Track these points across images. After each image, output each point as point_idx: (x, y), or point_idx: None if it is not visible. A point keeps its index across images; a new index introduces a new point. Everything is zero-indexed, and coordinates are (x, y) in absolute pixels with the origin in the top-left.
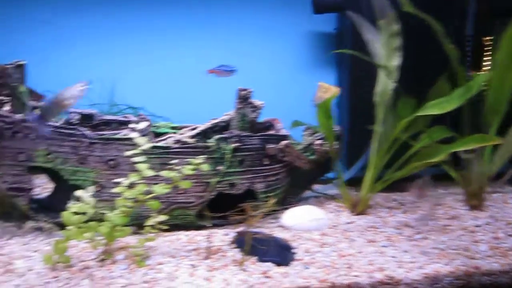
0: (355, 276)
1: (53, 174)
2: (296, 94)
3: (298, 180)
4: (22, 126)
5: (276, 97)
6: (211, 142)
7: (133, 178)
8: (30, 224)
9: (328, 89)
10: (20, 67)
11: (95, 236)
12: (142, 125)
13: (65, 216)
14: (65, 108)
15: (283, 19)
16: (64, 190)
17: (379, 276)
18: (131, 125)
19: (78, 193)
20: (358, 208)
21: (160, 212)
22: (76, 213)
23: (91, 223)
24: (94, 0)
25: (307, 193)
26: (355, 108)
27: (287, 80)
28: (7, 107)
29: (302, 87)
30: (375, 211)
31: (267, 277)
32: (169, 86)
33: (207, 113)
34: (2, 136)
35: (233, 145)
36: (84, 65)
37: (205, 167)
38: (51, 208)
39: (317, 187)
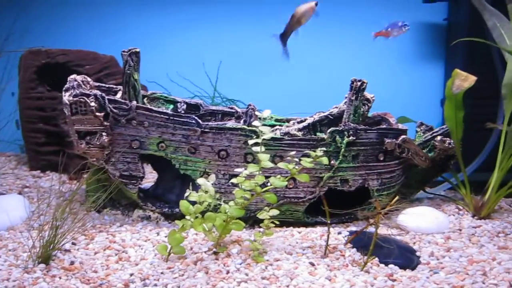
0: (494, 284)
1: (160, 163)
2: (401, 88)
3: (413, 179)
4: (137, 113)
5: (380, 90)
6: (326, 135)
7: (252, 169)
8: (137, 213)
9: (467, 77)
10: (135, 54)
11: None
12: (266, 113)
13: (183, 205)
14: (300, 25)
15: (391, 8)
16: (167, 180)
17: None
18: (257, 113)
19: (200, 181)
20: (483, 212)
21: (268, 206)
22: (193, 203)
23: (209, 213)
24: None
25: (420, 193)
26: (469, 104)
27: (392, 74)
28: (118, 94)
29: (408, 81)
30: (501, 216)
31: (393, 280)
32: (267, 79)
33: (305, 106)
34: (117, 122)
35: (348, 138)
36: (187, 56)
37: (324, 160)
38: (155, 197)
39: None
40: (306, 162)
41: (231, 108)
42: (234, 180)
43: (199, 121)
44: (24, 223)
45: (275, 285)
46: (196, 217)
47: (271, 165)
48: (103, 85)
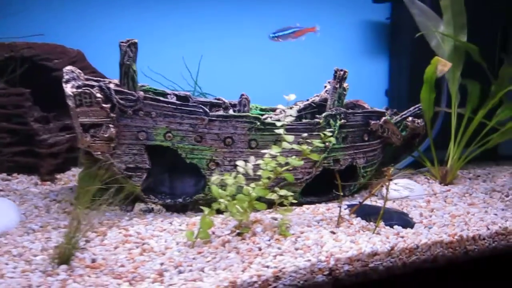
0: (476, 229)
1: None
2: (349, 80)
3: (387, 157)
4: (144, 104)
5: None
6: (320, 118)
7: (275, 150)
8: (139, 206)
9: (446, 63)
10: (133, 45)
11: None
12: (292, 97)
13: (214, 189)
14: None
15: (341, 7)
16: (156, 173)
17: (495, 228)
18: (287, 97)
19: (240, 163)
20: (448, 179)
21: (269, 188)
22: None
23: (240, 195)
24: None
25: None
26: (416, 93)
27: (343, 67)
28: (111, 86)
29: (357, 74)
30: (460, 181)
31: (402, 237)
32: (233, 70)
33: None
34: (123, 114)
35: (341, 121)
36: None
37: (333, 140)
38: (150, 190)
39: None
40: (316, 143)
41: (218, 99)
42: (260, 161)
43: (207, 109)
44: (19, 227)
45: (309, 254)
46: (228, 200)
47: (290, 146)
48: (92, 78)
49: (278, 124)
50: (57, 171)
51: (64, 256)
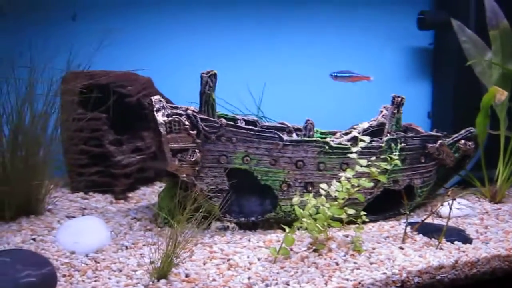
0: None
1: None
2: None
3: (439, 177)
4: (225, 130)
5: (375, 105)
6: (382, 143)
7: (349, 173)
8: (215, 224)
9: (503, 92)
10: (214, 76)
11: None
12: (365, 125)
13: (297, 210)
14: None
15: (385, 33)
16: (235, 192)
17: None
18: (355, 126)
19: (323, 186)
20: (497, 198)
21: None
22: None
23: (319, 215)
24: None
25: (441, 189)
26: (459, 115)
27: (388, 91)
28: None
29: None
30: (509, 200)
31: (463, 251)
32: (285, 96)
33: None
34: (207, 139)
35: (401, 145)
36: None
37: (397, 163)
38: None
39: None
40: (384, 165)
41: (282, 123)
42: (334, 185)
43: (281, 135)
44: (112, 244)
45: (384, 267)
46: (309, 220)
47: (362, 170)
48: (174, 105)
49: (354, 149)
50: (129, 190)
51: (162, 271)
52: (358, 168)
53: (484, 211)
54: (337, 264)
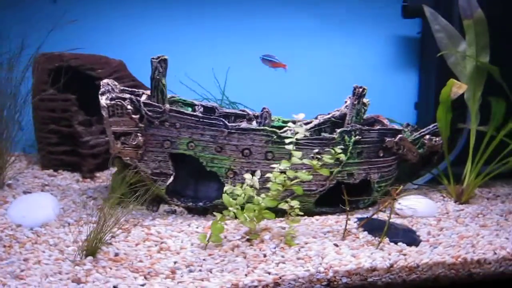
0: (482, 252)
1: (177, 162)
2: (379, 94)
3: (403, 173)
4: (169, 116)
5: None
6: (335, 134)
7: (284, 164)
8: (163, 207)
9: (461, 85)
10: (163, 61)
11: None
12: (301, 116)
13: (225, 198)
14: None
15: (371, 21)
16: (183, 177)
17: (502, 253)
18: (296, 116)
19: (247, 176)
20: (463, 198)
21: (283, 199)
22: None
23: (248, 204)
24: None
25: (408, 185)
26: None
27: (373, 81)
28: (143, 97)
29: (385, 87)
30: (477, 201)
31: (404, 254)
32: (259, 81)
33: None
34: (151, 124)
35: (355, 137)
36: (191, 61)
37: (342, 157)
38: (175, 193)
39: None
40: (327, 158)
41: (243, 111)
42: (270, 175)
43: (226, 122)
44: (57, 219)
45: (310, 264)
46: (237, 209)
47: (299, 161)
48: (127, 88)
49: (287, 140)
50: (97, 170)
51: (91, 249)
52: (297, 160)
53: (444, 211)
54: (265, 256)
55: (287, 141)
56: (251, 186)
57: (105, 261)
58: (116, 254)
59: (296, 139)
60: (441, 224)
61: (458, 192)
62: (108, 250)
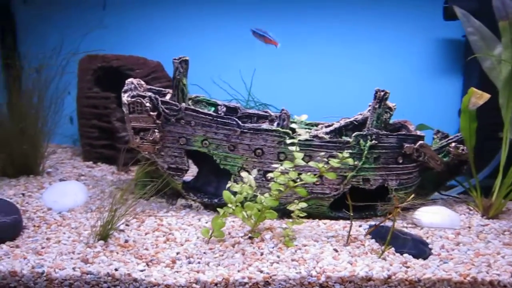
0: (496, 274)
1: (200, 159)
2: (421, 99)
3: (428, 181)
4: (185, 114)
5: (401, 100)
6: (351, 138)
7: (286, 165)
8: (180, 201)
9: (482, 95)
10: (184, 62)
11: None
12: (303, 117)
13: (226, 195)
14: None
15: (414, 24)
16: (206, 174)
17: None
18: (296, 117)
19: (243, 175)
20: (491, 212)
21: (298, 200)
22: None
23: (248, 203)
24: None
25: (435, 195)
26: (484, 115)
27: (414, 85)
28: (168, 96)
29: (427, 92)
30: (508, 216)
31: (407, 267)
32: (295, 85)
33: (332, 112)
34: (167, 121)
35: (371, 142)
36: (225, 63)
37: (350, 161)
38: (195, 189)
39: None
40: (334, 162)
41: (265, 112)
42: (270, 175)
43: (239, 122)
44: (83, 206)
45: (303, 267)
46: (237, 206)
47: (303, 163)
48: (154, 88)
49: (288, 141)
50: (133, 164)
51: (104, 234)
52: (300, 161)
53: (467, 225)
54: (262, 254)
55: (287, 141)
56: (249, 185)
57: (114, 246)
58: (126, 241)
59: (307, 140)
60: (459, 238)
61: (486, 206)
62: (119, 236)
